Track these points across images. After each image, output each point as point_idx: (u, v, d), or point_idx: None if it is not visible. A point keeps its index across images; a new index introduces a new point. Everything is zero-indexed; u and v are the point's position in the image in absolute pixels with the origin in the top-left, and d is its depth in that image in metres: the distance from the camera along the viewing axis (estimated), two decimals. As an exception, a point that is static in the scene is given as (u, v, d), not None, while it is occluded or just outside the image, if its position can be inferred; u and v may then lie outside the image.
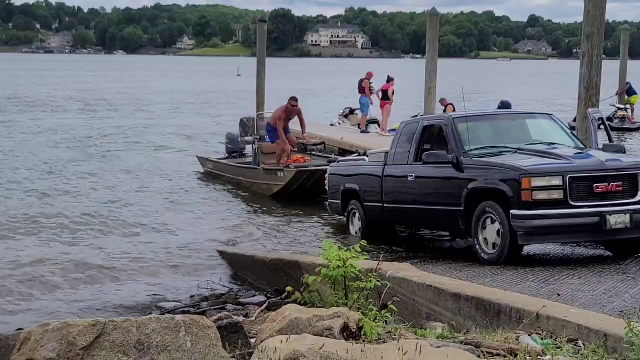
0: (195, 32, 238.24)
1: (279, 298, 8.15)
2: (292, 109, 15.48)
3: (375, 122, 22.07)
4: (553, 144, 9.35)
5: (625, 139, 24.17)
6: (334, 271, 5.85)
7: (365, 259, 6.27)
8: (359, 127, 22.21)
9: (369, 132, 21.10)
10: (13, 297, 8.62)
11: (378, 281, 5.93)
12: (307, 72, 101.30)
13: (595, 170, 8.14)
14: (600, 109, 10.80)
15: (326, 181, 12.24)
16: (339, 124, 23.74)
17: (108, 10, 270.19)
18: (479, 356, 4.47)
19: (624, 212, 7.97)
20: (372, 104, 21.37)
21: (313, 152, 16.10)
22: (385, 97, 20.64)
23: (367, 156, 11.94)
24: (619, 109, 26.87)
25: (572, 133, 10.20)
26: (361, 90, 21.46)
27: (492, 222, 8.33)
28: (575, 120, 13.17)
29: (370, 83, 21.37)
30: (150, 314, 7.83)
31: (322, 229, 12.37)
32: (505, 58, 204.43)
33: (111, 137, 26.10)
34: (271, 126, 15.53)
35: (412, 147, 10.05)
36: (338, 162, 12.71)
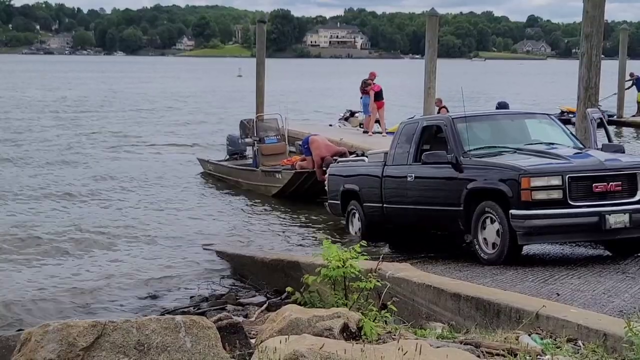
0: (195, 33, 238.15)
1: (278, 298, 8.15)
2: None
3: (376, 121, 21.98)
4: (552, 143, 9.36)
5: None
6: (334, 271, 5.85)
7: (365, 259, 6.28)
8: (360, 128, 22.06)
9: (374, 132, 20.87)
10: (13, 298, 8.62)
11: (378, 281, 5.93)
12: (306, 73, 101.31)
13: (594, 170, 8.15)
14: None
15: (326, 182, 12.26)
16: (340, 126, 23.65)
17: (107, 11, 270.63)
18: (478, 356, 4.48)
19: (623, 211, 7.98)
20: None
21: None
22: (379, 97, 20.50)
23: (367, 157, 11.96)
24: None
25: (570, 133, 10.21)
26: (363, 91, 21.37)
27: (492, 222, 8.34)
28: None
29: (370, 84, 21.24)
30: (150, 314, 7.83)
31: (322, 230, 12.37)
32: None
33: (112, 137, 26.11)
34: (308, 146, 14.68)
35: (411, 148, 10.06)
36: (337, 162, 12.72)
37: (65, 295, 8.78)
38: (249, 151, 17.65)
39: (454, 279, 7.05)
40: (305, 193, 14.60)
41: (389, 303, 5.82)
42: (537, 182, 8.00)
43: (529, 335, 5.10)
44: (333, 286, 6.03)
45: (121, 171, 18.72)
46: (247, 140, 17.33)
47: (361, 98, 21.54)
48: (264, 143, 16.58)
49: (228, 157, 18.31)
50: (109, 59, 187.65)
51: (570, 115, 23.61)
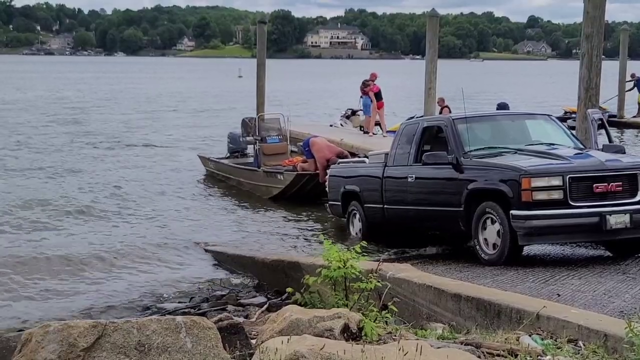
0: (195, 34, 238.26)
1: (279, 299, 8.15)
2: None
3: (377, 124, 21.93)
4: (553, 144, 9.37)
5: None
6: (335, 272, 5.86)
7: (366, 260, 6.27)
8: (361, 129, 21.98)
9: (375, 134, 20.79)
10: (14, 298, 8.62)
11: (378, 282, 5.93)
12: (307, 73, 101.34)
13: (595, 170, 8.15)
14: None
15: (327, 183, 12.26)
16: (341, 125, 23.57)
17: (108, 12, 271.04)
18: (479, 356, 4.48)
19: (624, 212, 7.98)
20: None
21: None
22: (378, 97, 20.46)
23: (367, 157, 11.95)
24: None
25: (571, 133, 10.21)
26: (362, 91, 21.32)
27: (492, 222, 8.34)
28: None
29: (370, 84, 21.20)
30: (151, 315, 7.83)
31: (322, 231, 12.37)
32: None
33: (113, 138, 26.10)
34: (309, 149, 14.72)
35: (412, 148, 10.06)
36: (338, 163, 12.72)
37: (66, 296, 8.78)
38: (250, 149, 17.64)
39: (455, 280, 7.05)
40: (306, 195, 14.59)
41: (389, 303, 5.83)
42: (537, 182, 8.00)
43: (530, 335, 5.10)
44: (334, 287, 6.03)
45: (122, 171, 18.71)
46: (249, 138, 17.31)
47: (361, 97, 21.51)
48: (265, 142, 16.56)
49: (229, 154, 18.29)
50: (109, 59, 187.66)
51: (571, 115, 23.60)
